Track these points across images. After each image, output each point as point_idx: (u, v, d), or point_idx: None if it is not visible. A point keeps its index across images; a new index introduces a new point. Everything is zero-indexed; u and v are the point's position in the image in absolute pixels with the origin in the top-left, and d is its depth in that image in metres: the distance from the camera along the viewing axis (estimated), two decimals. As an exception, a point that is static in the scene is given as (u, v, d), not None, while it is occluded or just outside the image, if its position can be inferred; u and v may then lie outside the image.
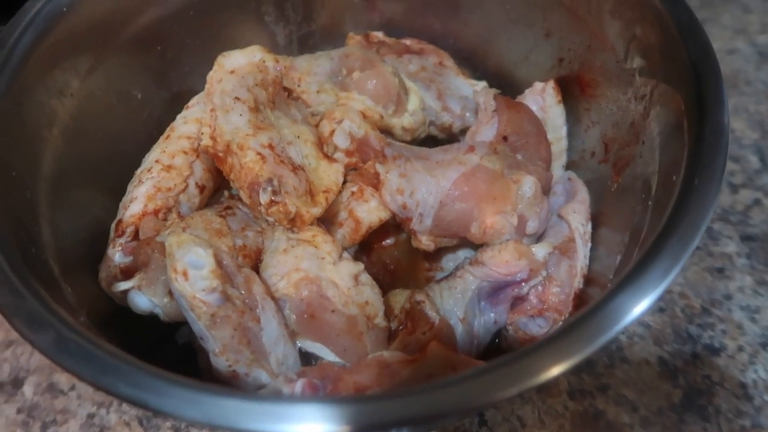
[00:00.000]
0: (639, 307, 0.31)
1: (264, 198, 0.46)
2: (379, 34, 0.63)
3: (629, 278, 0.31)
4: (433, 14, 0.64)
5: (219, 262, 0.40)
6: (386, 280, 0.52)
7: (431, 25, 0.65)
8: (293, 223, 0.46)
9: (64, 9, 0.47)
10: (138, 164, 0.53)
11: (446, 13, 0.64)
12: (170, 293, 0.42)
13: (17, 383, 0.56)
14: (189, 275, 0.39)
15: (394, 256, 0.54)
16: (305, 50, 0.65)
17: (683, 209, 0.32)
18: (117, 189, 0.51)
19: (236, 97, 0.50)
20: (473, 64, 0.65)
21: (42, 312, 0.30)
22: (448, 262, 0.53)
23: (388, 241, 0.54)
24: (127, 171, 0.52)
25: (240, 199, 0.50)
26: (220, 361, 0.38)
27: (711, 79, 0.36)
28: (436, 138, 0.60)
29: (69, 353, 0.28)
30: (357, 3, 0.64)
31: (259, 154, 0.47)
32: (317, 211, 0.46)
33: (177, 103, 0.58)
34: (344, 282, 0.43)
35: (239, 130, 0.49)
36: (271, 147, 0.48)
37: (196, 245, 0.40)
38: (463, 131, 0.58)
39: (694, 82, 0.37)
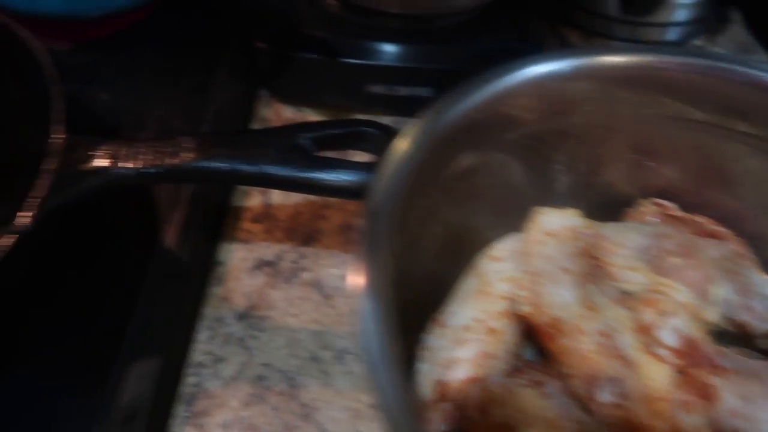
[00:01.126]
0: None
1: (605, 398, 0.42)
2: (672, 206, 0.60)
3: None
4: (719, 190, 0.61)
5: (586, 483, 0.37)
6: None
7: (712, 200, 0.62)
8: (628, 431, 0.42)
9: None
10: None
11: (735, 192, 0.61)
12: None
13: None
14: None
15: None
16: (577, 199, 0.63)
17: None
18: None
19: (563, 267, 0.48)
20: (755, 252, 0.61)
21: None
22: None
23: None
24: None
25: (542, 371, 0.47)
26: None
27: None
28: (725, 331, 0.56)
29: None
30: (644, 165, 0.62)
31: (597, 342, 0.44)
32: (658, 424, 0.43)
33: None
34: None
35: (570, 307, 0.46)
36: (605, 335, 0.45)
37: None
38: (764, 335, 0.54)
39: None
